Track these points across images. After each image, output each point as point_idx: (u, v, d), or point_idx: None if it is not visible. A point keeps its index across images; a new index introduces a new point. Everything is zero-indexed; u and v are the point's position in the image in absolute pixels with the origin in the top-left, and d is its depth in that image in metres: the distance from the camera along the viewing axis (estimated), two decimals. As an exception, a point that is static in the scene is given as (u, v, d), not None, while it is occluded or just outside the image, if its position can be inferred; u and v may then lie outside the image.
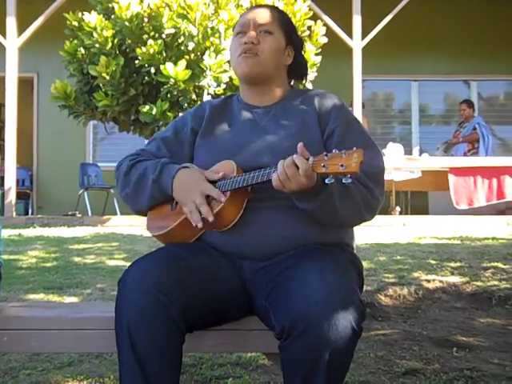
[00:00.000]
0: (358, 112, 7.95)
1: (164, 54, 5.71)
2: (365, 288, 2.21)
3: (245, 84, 1.87)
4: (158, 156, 1.85)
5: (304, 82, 1.98)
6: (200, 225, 1.67)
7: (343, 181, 1.43)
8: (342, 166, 1.40)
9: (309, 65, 6.10)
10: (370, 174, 1.67)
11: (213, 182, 1.73)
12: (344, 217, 1.66)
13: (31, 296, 3.43)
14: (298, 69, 1.92)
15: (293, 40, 1.88)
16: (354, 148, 1.42)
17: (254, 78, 1.82)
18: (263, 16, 1.83)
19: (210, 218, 1.65)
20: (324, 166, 1.43)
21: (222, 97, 2.04)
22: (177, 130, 1.90)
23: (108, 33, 5.76)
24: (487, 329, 3.05)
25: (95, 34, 5.77)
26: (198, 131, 1.85)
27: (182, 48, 5.75)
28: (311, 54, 6.13)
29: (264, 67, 1.80)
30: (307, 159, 1.47)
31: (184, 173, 1.75)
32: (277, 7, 1.97)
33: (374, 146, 1.76)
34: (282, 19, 1.87)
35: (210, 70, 5.63)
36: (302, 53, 1.93)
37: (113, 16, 5.93)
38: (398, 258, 4.47)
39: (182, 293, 1.53)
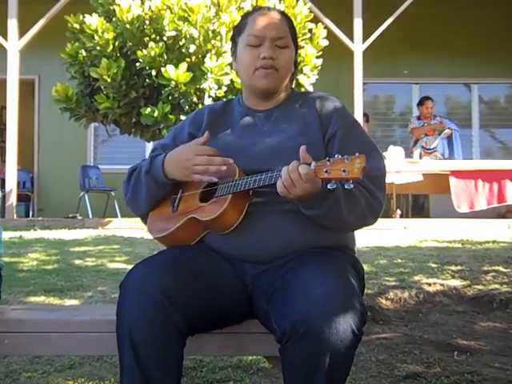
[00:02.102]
0: (358, 115, 7.95)
1: (165, 57, 5.70)
2: (365, 291, 2.21)
3: (255, 94, 1.86)
4: None
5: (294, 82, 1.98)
6: (216, 176, 1.68)
7: (345, 186, 1.43)
8: (344, 171, 1.40)
9: (310, 68, 6.17)
10: (372, 178, 1.67)
11: (213, 185, 1.73)
12: (349, 222, 1.66)
13: (32, 299, 3.43)
14: (295, 71, 1.92)
15: (297, 47, 1.88)
16: (357, 153, 1.42)
17: (271, 92, 1.83)
18: (278, 28, 1.80)
19: (231, 160, 1.67)
20: (326, 172, 1.43)
21: (222, 100, 2.03)
22: (175, 135, 1.92)
23: (109, 35, 5.76)
24: (488, 332, 3.04)
25: (96, 37, 5.77)
26: (196, 135, 1.85)
27: (183, 50, 5.75)
28: (312, 56, 6.12)
29: (281, 82, 1.82)
30: (309, 164, 1.47)
31: (172, 152, 1.76)
32: (285, 13, 1.94)
33: (376, 149, 1.76)
34: (292, 28, 1.86)
35: (211, 72, 5.63)
36: None
37: (114, 18, 5.93)
38: (399, 261, 4.46)
39: (182, 295, 1.54)
